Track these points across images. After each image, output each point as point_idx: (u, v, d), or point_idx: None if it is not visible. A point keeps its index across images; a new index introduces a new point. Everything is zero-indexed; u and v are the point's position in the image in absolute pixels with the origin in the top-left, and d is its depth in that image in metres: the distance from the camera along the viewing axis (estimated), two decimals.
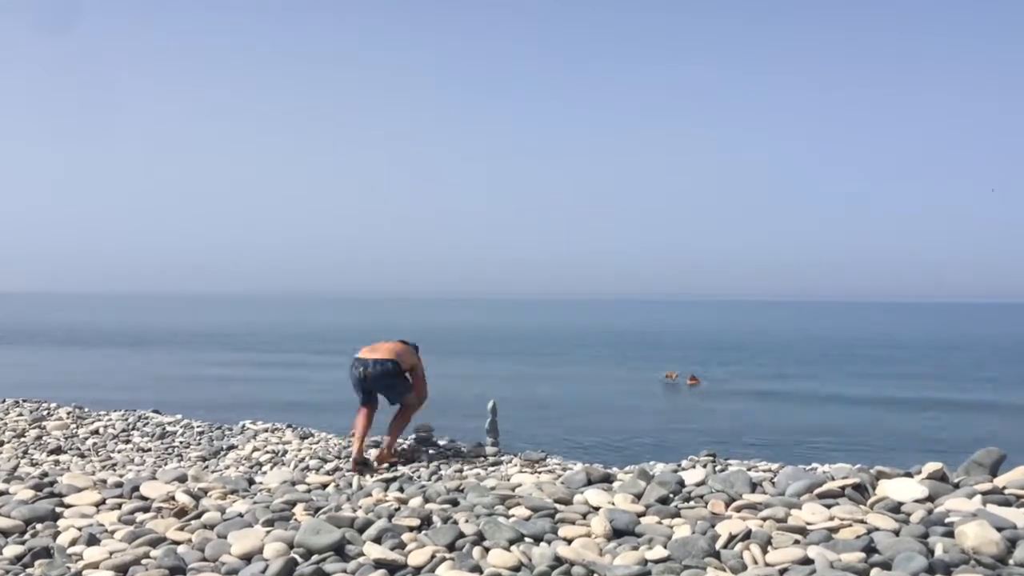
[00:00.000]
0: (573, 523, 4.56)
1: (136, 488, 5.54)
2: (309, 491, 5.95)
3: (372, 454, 7.52)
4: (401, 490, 5.67)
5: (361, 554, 4.21)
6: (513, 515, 4.68)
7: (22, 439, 8.89)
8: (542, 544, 4.27)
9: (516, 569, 4.04)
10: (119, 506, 5.28)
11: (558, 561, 4.06)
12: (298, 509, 4.99)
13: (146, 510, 5.16)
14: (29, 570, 4.26)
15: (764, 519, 4.40)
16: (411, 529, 4.54)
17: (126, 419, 9.68)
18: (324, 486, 6.30)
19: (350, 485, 6.41)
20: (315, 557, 4.18)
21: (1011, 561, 3.85)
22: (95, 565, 4.23)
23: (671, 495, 4.96)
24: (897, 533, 4.16)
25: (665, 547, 4.12)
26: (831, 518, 4.37)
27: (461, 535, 4.37)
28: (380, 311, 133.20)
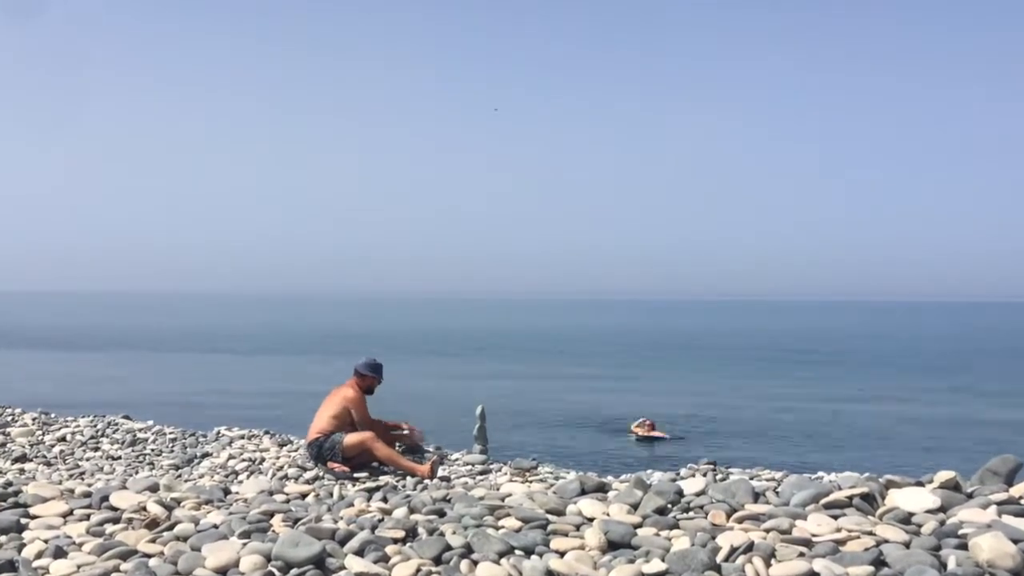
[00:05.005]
0: (566, 535, 4.55)
1: (105, 498, 5.50)
2: (288, 501, 5.92)
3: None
4: (385, 500, 5.66)
5: (342, 567, 4.19)
6: (503, 526, 4.66)
7: None
8: (533, 557, 4.26)
9: None
10: (87, 517, 5.24)
11: (550, 575, 4.05)
12: (276, 520, 4.97)
13: (116, 521, 5.12)
14: None
15: (767, 530, 4.40)
16: (395, 541, 4.52)
17: (95, 425, 9.63)
18: (303, 496, 6.27)
19: (331, 495, 6.39)
20: (294, 571, 4.16)
21: None
22: None
23: (669, 505, 4.96)
24: (907, 545, 4.16)
25: (663, 560, 4.11)
26: (838, 529, 4.37)
27: (448, 548, 4.35)
28: (375, 312, 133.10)
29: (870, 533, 4.30)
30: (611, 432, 21.19)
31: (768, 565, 4.01)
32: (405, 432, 8.09)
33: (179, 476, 7.73)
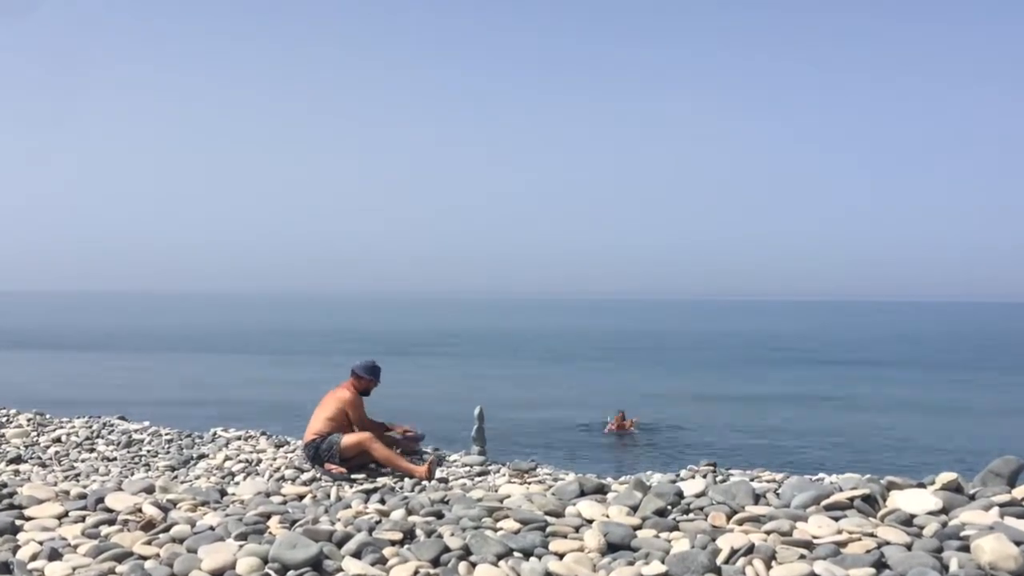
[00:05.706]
0: (565, 537, 4.54)
1: (101, 500, 5.49)
2: (284, 503, 5.92)
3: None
4: (382, 502, 5.65)
5: (340, 570, 4.19)
6: (501, 528, 4.66)
7: None
8: (532, 559, 4.26)
9: None
10: (83, 519, 5.23)
11: None
12: (273, 522, 4.96)
13: (111, 523, 5.12)
14: None
15: (768, 532, 4.40)
16: (393, 543, 4.51)
17: (90, 426, 9.62)
18: (300, 497, 6.27)
19: (328, 496, 6.38)
20: (291, 573, 4.15)
21: None
22: None
23: (669, 507, 4.95)
24: (909, 547, 4.16)
25: (663, 562, 4.11)
26: (839, 531, 4.36)
27: (446, 549, 4.35)
28: (375, 312, 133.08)
29: (871, 535, 4.29)
30: (611, 433, 21.19)
31: (769, 567, 4.01)
32: (397, 436, 8.04)
33: (175, 477, 7.72)
